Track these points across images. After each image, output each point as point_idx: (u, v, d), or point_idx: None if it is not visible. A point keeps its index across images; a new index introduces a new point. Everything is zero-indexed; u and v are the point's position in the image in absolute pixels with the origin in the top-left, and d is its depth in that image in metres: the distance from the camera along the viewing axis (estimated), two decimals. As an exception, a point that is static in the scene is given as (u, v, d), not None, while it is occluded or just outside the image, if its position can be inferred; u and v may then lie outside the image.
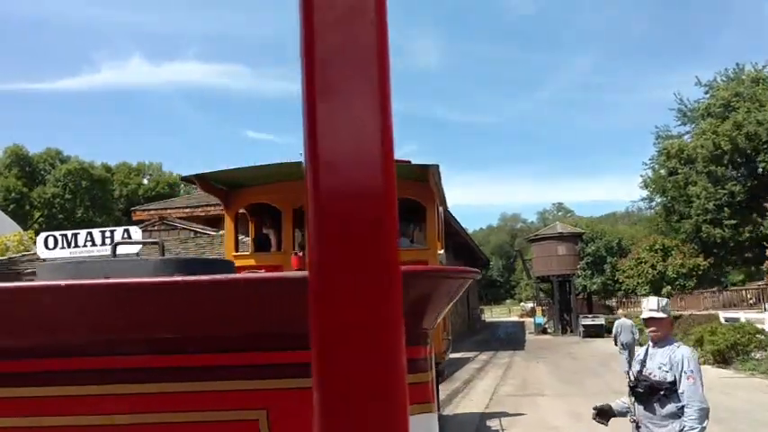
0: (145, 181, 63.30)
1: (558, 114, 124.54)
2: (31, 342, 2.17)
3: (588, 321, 34.93)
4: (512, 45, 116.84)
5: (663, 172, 38.36)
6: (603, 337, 31.49)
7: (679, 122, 40.43)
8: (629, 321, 16.30)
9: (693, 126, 38.53)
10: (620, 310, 17.44)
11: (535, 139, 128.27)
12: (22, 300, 2.14)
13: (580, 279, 41.50)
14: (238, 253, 7.43)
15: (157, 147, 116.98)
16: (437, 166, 6.66)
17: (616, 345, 16.26)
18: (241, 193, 7.14)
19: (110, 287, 2.13)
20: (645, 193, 42.59)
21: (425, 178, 6.73)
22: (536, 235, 45.58)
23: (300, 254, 6.72)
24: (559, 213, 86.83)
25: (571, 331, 38.46)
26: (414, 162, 6.82)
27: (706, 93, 37.31)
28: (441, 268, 2.95)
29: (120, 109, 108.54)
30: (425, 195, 6.95)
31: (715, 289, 34.42)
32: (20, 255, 18.09)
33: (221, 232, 16.80)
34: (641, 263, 33.97)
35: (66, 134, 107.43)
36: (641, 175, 42.26)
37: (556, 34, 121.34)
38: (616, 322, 16.91)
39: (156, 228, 17.30)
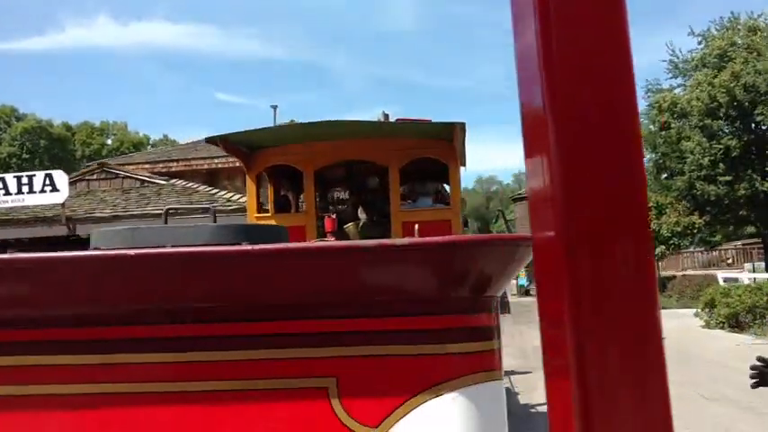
0: (109, 141, 61.14)
1: None
2: (116, 310, 2.24)
3: None
4: (486, 5, 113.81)
5: (653, 127, 36.55)
6: None
7: (670, 75, 38.38)
8: None
9: (686, 79, 36.96)
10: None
11: (509, 101, 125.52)
12: (115, 268, 2.18)
13: None
14: (259, 214, 7.37)
15: (124, 108, 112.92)
16: (464, 123, 6.40)
17: None
18: (262, 155, 7.05)
19: (206, 255, 2.22)
20: None
21: (451, 137, 6.50)
22: (519, 194, 43.71)
23: (334, 216, 6.61)
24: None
25: (557, 291, 38.05)
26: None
27: (699, 43, 35.59)
28: (517, 236, 2.63)
29: (86, 69, 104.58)
30: (449, 154, 6.76)
31: (702, 249, 33.74)
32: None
33: (174, 181, 15.43)
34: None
35: (30, 95, 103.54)
36: None
37: None
38: None
39: (95, 177, 15.15)
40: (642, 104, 38.75)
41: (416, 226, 4.99)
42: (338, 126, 6.82)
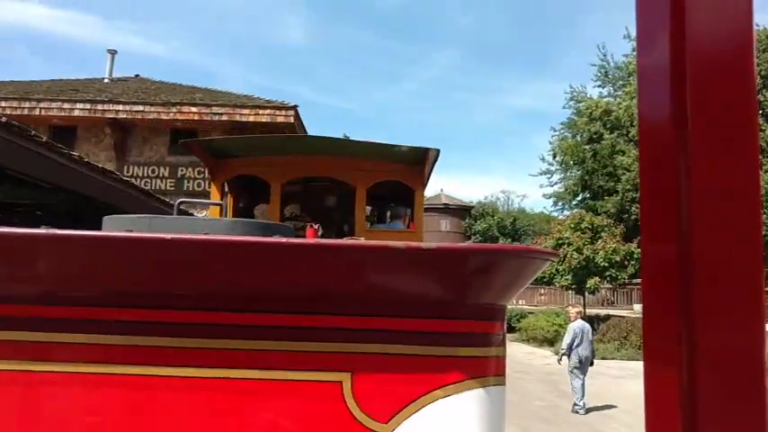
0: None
1: (417, 106, 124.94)
2: (137, 291, 2.28)
3: None
4: (379, 34, 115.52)
5: (579, 138, 35.01)
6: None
7: (598, 83, 36.42)
8: (587, 326, 12.45)
9: (617, 88, 35.35)
10: (572, 309, 13.42)
11: (392, 129, 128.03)
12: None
13: None
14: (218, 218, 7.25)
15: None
16: (438, 150, 6.49)
17: (561, 359, 12.60)
18: (230, 163, 6.99)
19: (234, 244, 2.25)
20: (543, 166, 38.60)
21: (423, 162, 6.63)
22: None
23: (316, 226, 6.46)
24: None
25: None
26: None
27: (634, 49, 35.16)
28: (533, 249, 2.65)
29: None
30: (416, 179, 6.91)
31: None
32: None
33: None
34: (563, 244, 26.14)
35: None
36: (550, 142, 38.38)
37: (425, 28, 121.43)
38: (571, 326, 12.43)
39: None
40: (565, 114, 37.96)
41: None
42: (313, 141, 6.79)
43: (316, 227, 6.51)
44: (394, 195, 7.29)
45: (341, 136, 8.80)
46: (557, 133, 38.67)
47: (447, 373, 2.27)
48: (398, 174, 6.87)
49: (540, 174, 39.86)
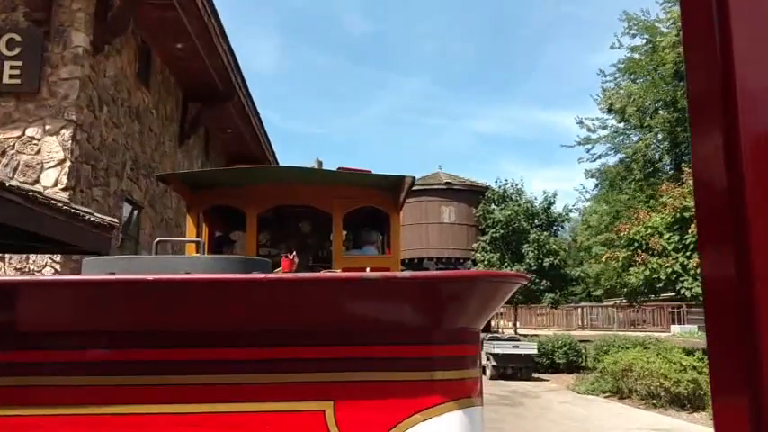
0: None
1: (384, 132, 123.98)
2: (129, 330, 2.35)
3: (503, 348, 19.24)
4: (348, 60, 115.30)
5: (651, 78, 26.68)
6: (535, 379, 19.51)
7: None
8: None
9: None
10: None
11: (359, 155, 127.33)
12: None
13: (482, 267, 24.74)
14: (197, 254, 7.27)
15: None
16: (413, 177, 6.71)
17: None
18: (205, 194, 7.12)
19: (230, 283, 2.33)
20: (582, 132, 30.34)
21: (399, 189, 6.80)
22: None
23: (291, 256, 6.53)
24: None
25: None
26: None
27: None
28: (503, 273, 3.01)
29: None
30: (391, 204, 7.07)
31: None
32: None
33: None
34: (648, 234, 16.63)
35: None
36: (596, 96, 29.95)
37: (392, 55, 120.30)
38: None
39: None
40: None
41: (368, 269, 4.94)
42: (289, 171, 6.93)
43: (291, 257, 6.58)
44: (366, 220, 7.39)
45: (314, 161, 8.97)
46: (608, 80, 30.09)
47: (426, 396, 2.34)
48: (374, 200, 7.02)
49: (578, 144, 31.51)
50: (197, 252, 7.14)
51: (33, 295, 2.35)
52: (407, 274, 2.44)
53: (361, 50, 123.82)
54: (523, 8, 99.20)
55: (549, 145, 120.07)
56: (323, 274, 3.03)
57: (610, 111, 28.90)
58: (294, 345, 2.36)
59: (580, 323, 31.19)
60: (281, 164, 19.47)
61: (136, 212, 12.47)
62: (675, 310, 27.58)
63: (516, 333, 25.21)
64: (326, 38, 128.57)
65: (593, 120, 31.50)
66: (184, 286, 2.31)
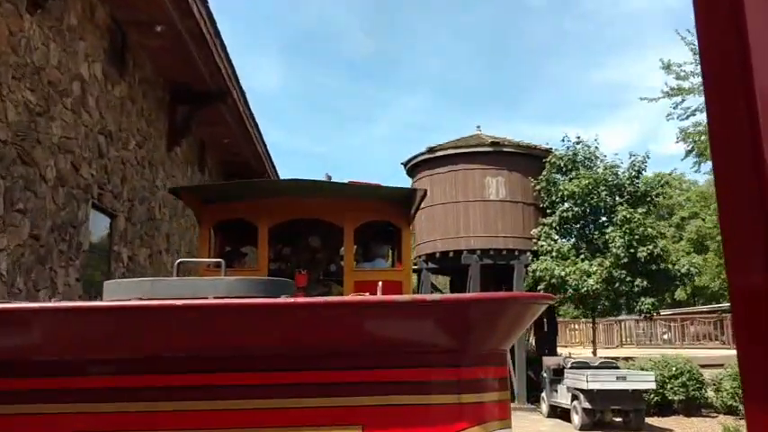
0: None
1: (386, 149, 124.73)
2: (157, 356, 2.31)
3: (603, 382, 13.39)
4: (351, 79, 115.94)
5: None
6: (650, 428, 13.40)
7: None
8: None
9: None
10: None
11: (363, 172, 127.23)
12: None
13: (541, 264, 18.13)
14: (209, 269, 7.37)
15: None
16: (425, 191, 6.97)
17: None
18: (216, 208, 7.16)
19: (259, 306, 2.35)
20: (672, 81, 22.91)
21: (410, 201, 6.87)
22: (433, 149, 20.11)
23: (304, 272, 6.61)
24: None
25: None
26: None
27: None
28: (531, 295, 3.15)
29: None
30: (402, 218, 7.10)
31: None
32: None
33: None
34: None
35: None
36: (683, 37, 21.37)
37: (393, 74, 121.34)
38: None
39: None
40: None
41: (380, 283, 5.00)
42: (299, 185, 6.90)
43: (304, 272, 6.71)
44: (376, 233, 7.44)
45: (323, 177, 9.30)
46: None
47: (454, 420, 2.33)
48: (386, 213, 7.03)
49: (665, 95, 23.52)
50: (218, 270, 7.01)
51: (78, 321, 2.30)
52: (437, 297, 2.47)
53: (362, 69, 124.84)
54: (526, 23, 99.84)
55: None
56: (355, 297, 3.01)
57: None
58: (322, 369, 2.33)
59: (620, 339, 26.34)
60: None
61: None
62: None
63: (595, 355, 19.43)
64: (328, 56, 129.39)
65: (680, 65, 23.18)
66: (223, 311, 2.27)
